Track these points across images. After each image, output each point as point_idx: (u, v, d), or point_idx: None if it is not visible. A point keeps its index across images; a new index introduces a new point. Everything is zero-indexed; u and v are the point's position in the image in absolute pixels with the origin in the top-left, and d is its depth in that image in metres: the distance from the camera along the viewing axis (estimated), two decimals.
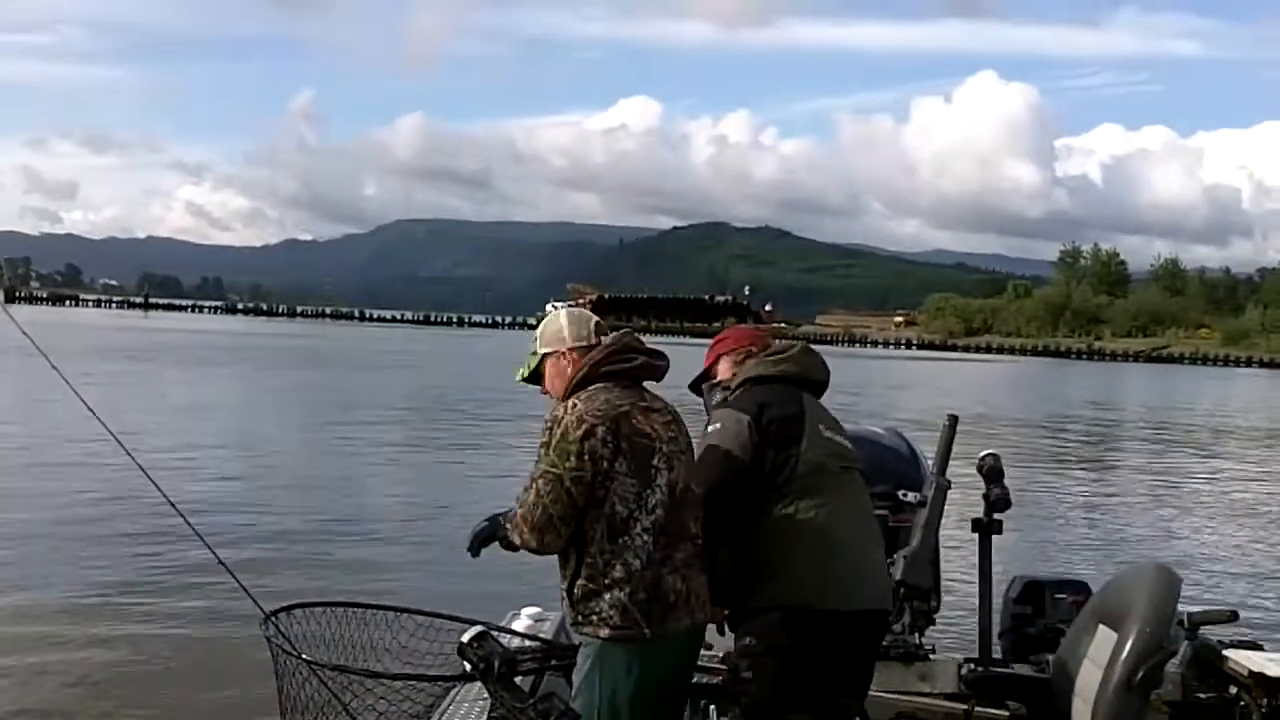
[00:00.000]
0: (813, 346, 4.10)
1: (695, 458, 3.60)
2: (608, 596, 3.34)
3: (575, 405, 3.39)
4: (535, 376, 3.69)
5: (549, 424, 3.42)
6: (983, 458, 5.18)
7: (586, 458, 3.32)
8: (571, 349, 3.58)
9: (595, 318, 3.70)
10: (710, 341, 4.29)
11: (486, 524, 3.65)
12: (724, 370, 4.11)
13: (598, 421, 3.34)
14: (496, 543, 3.65)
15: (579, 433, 3.33)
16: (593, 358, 3.51)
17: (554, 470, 3.34)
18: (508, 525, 3.55)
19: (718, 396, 4.01)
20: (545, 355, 3.64)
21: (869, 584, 3.68)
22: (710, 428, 3.76)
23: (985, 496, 5.13)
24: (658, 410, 3.52)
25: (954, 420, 4.99)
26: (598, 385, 3.46)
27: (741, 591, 3.66)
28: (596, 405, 3.38)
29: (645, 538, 3.36)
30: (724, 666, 4.75)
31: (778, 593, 3.56)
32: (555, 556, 3.55)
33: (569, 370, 3.55)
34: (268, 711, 3.87)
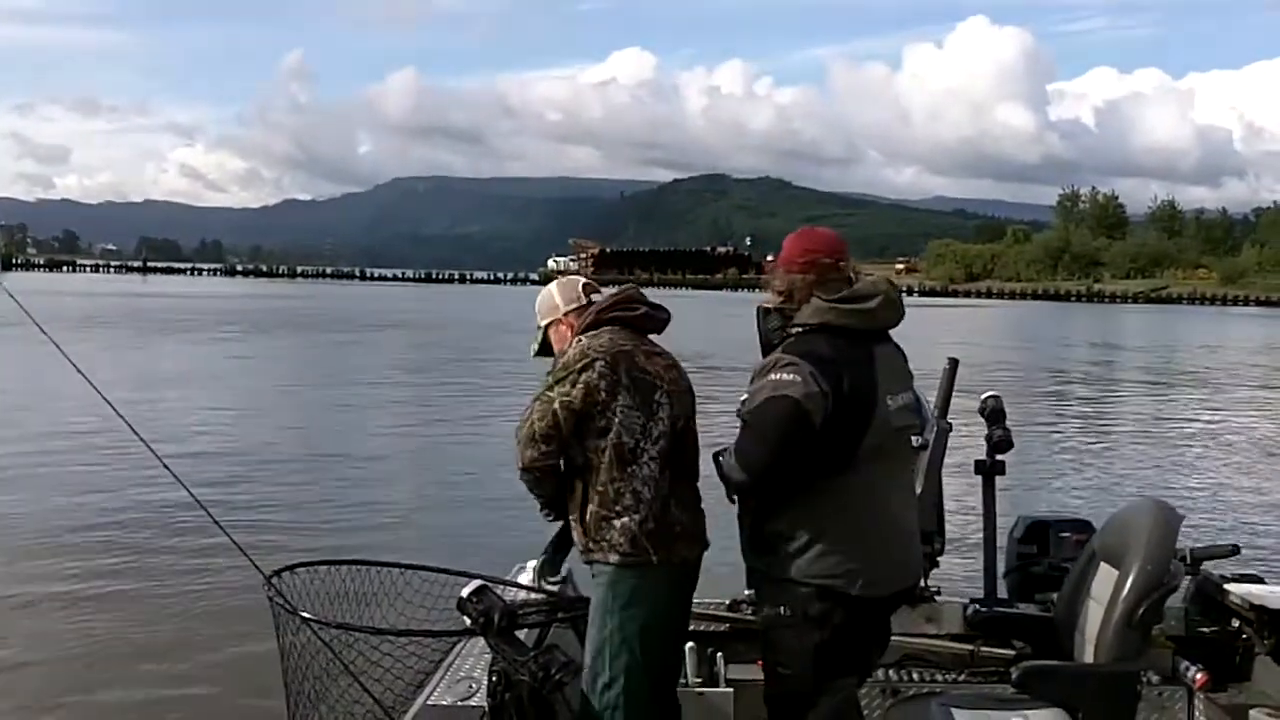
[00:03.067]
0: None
1: (755, 401, 3.29)
2: (618, 523, 3.55)
3: (580, 341, 3.66)
4: (545, 348, 3.90)
5: (557, 357, 3.69)
6: (985, 399, 5.16)
7: (580, 386, 3.55)
8: (566, 314, 3.85)
9: (583, 279, 3.99)
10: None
11: (545, 554, 4.02)
12: (782, 286, 3.47)
13: (598, 356, 3.58)
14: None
15: (578, 365, 3.58)
16: (599, 305, 3.78)
17: (549, 394, 3.59)
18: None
19: (774, 321, 3.46)
20: (546, 326, 3.89)
21: (907, 564, 3.53)
22: (779, 375, 3.26)
23: (988, 438, 5.12)
24: (659, 354, 3.76)
25: (954, 363, 5.01)
26: (604, 328, 3.69)
27: (771, 556, 3.39)
28: (600, 343, 3.63)
29: (653, 467, 3.58)
30: (731, 615, 4.78)
31: (813, 571, 3.31)
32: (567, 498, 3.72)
33: (568, 332, 3.79)
34: (271, 674, 3.87)
